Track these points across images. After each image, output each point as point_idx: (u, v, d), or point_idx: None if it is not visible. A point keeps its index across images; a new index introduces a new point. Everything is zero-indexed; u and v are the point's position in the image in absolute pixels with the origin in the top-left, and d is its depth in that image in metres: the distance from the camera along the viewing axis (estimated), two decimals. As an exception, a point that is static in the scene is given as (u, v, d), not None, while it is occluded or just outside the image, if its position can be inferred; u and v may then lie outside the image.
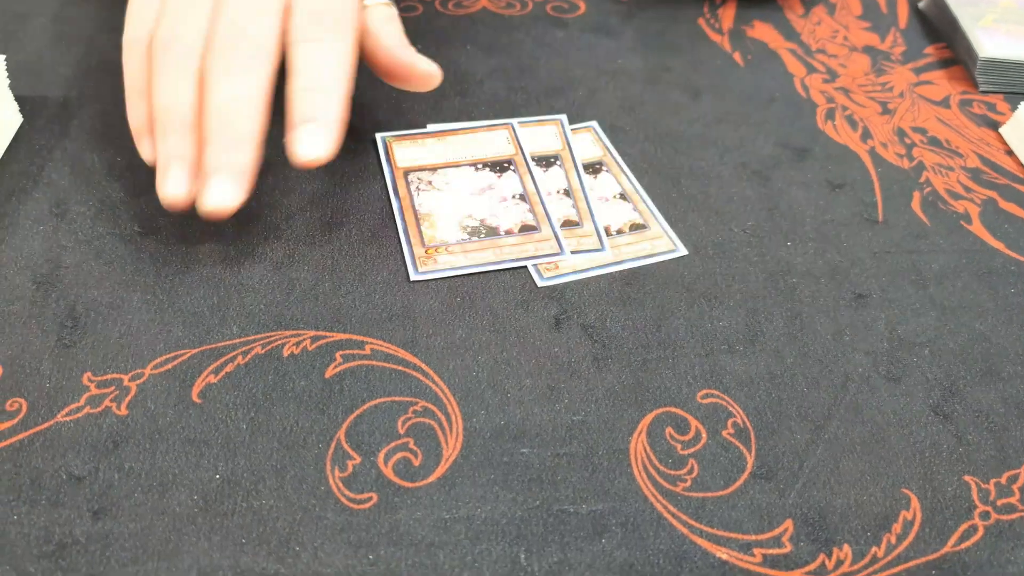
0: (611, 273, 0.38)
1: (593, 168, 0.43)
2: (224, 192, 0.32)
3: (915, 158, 0.46)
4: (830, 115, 0.48)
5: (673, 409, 0.34)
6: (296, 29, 0.33)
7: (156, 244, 0.38)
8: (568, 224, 0.40)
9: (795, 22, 0.56)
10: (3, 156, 0.41)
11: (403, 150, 0.43)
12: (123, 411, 0.32)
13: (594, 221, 0.40)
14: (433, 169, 0.43)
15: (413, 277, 0.37)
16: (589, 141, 0.45)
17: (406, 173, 0.42)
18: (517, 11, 0.55)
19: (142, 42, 0.34)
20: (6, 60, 0.42)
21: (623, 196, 0.42)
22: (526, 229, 0.40)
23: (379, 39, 0.39)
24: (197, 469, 0.31)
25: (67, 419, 0.32)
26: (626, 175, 0.43)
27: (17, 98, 0.43)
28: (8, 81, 0.42)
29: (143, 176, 0.41)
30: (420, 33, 0.51)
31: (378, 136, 0.44)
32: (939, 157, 0.46)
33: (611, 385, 0.34)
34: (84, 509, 0.29)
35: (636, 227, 0.41)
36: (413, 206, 0.41)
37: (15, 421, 0.31)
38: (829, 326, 0.37)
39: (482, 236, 0.39)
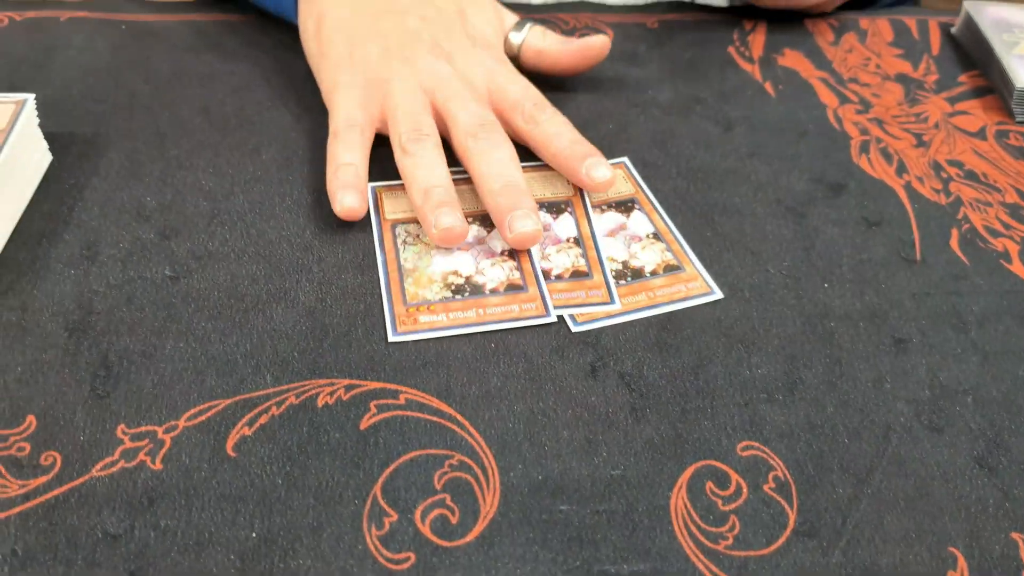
0: (647, 318, 0.38)
1: (625, 207, 0.43)
2: (530, 223, 0.39)
3: (952, 193, 0.45)
4: (864, 148, 0.48)
5: (713, 462, 0.33)
6: (529, 117, 0.43)
7: (187, 288, 0.38)
8: (576, 275, 0.39)
9: (826, 49, 0.55)
10: (33, 196, 0.41)
11: (393, 201, 0.42)
12: (158, 465, 0.32)
13: (604, 272, 0.39)
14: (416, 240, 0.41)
15: (391, 338, 0.36)
16: (620, 178, 0.44)
17: (393, 225, 0.41)
18: (545, 40, 0.54)
19: (355, 130, 0.42)
20: (35, 97, 0.41)
21: (656, 236, 0.41)
22: (512, 288, 0.38)
23: (550, 53, 0.49)
24: (233, 527, 0.30)
25: (102, 474, 0.31)
26: (659, 213, 0.42)
27: (46, 135, 0.43)
28: (38, 120, 0.42)
29: (172, 217, 0.41)
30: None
31: (368, 186, 0.43)
32: (977, 192, 0.46)
33: (650, 437, 0.34)
34: (121, 570, 0.29)
35: (670, 268, 0.40)
36: (398, 260, 0.39)
37: (50, 476, 0.31)
38: (869, 373, 0.37)
39: (466, 295, 0.38)
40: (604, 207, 0.43)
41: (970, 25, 0.56)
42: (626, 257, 0.40)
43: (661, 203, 0.43)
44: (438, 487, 0.32)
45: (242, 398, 0.34)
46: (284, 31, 0.54)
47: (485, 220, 0.41)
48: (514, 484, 0.32)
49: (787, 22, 0.58)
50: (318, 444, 0.33)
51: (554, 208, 0.42)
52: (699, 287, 0.39)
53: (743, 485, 0.33)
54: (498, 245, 0.40)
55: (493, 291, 0.38)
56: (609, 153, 0.46)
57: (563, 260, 0.40)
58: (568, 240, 0.41)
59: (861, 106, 0.51)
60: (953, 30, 0.58)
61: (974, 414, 0.35)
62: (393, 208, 0.42)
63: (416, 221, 0.41)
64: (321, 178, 0.43)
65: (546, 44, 0.49)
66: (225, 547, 0.30)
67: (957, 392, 0.36)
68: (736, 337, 0.38)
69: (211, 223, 0.41)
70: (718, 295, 0.39)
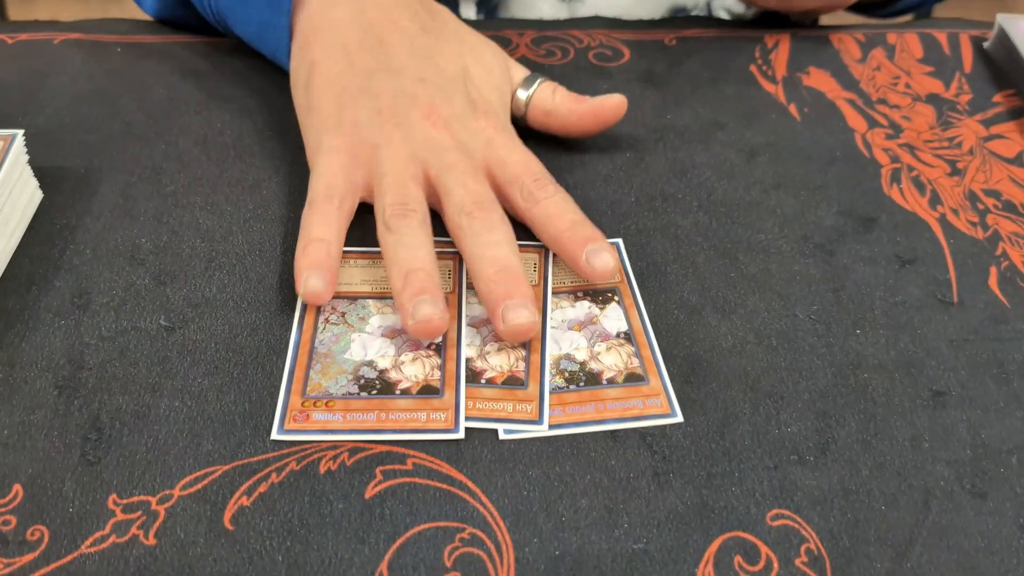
0: (670, 371, 0.36)
1: (602, 297, 0.38)
2: (525, 314, 0.35)
3: (989, 226, 0.43)
4: (895, 177, 0.45)
5: (741, 534, 0.31)
6: (528, 194, 0.40)
7: (183, 341, 0.36)
8: (511, 381, 0.35)
9: (853, 68, 0.53)
10: (23, 238, 0.39)
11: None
12: (151, 540, 0.30)
13: (542, 383, 0.34)
14: (353, 298, 0.37)
15: (274, 436, 0.33)
16: None
17: None
18: (558, 60, 0.52)
19: (333, 201, 0.39)
20: (24, 130, 0.39)
21: (628, 336, 0.37)
22: (425, 391, 0.34)
23: (559, 114, 0.45)
24: (230, 611, 0.28)
25: (91, 550, 0.30)
26: (639, 308, 0.38)
27: (36, 170, 0.41)
28: (27, 157, 0.40)
29: (167, 260, 0.39)
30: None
31: None
32: (1016, 225, 0.43)
33: (673, 505, 0.32)
34: (110, 661, 0.27)
35: (632, 378, 0.35)
36: (312, 342, 0.35)
37: (36, 554, 0.29)
38: (906, 430, 0.34)
39: (374, 392, 0.34)
40: (579, 295, 0.38)
41: (1004, 40, 0.53)
42: (586, 358, 0.36)
43: (683, 240, 0.41)
44: (448, 564, 0.30)
45: (240, 464, 0.32)
46: (286, 52, 0.52)
47: None
48: (529, 560, 0.30)
49: (810, 38, 0.55)
50: (320, 516, 0.31)
51: None
52: (657, 406, 0.34)
53: (773, 559, 0.31)
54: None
55: (404, 392, 0.34)
56: (626, 183, 0.44)
57: (500, 361, 0.35)
58: None
59: (891, 130, 0.48)
60: (986, 45, 0.55)
61: (1020, 476, 0.33)
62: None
63: (345, 297, 0.37)
64: (324, 215, 0.41)
65: (555, 103, 0.45)
66: (222, 634, 0.28)
67: (1001, 452, 0.34)
68: (764, 391, 0.35)
69: (209, 267, 0.39)
70: (677, 419, 0.34)
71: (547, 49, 0.53)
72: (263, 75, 0.50)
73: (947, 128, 0.49)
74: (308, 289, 0.36)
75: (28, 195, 0.40)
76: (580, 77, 0.50)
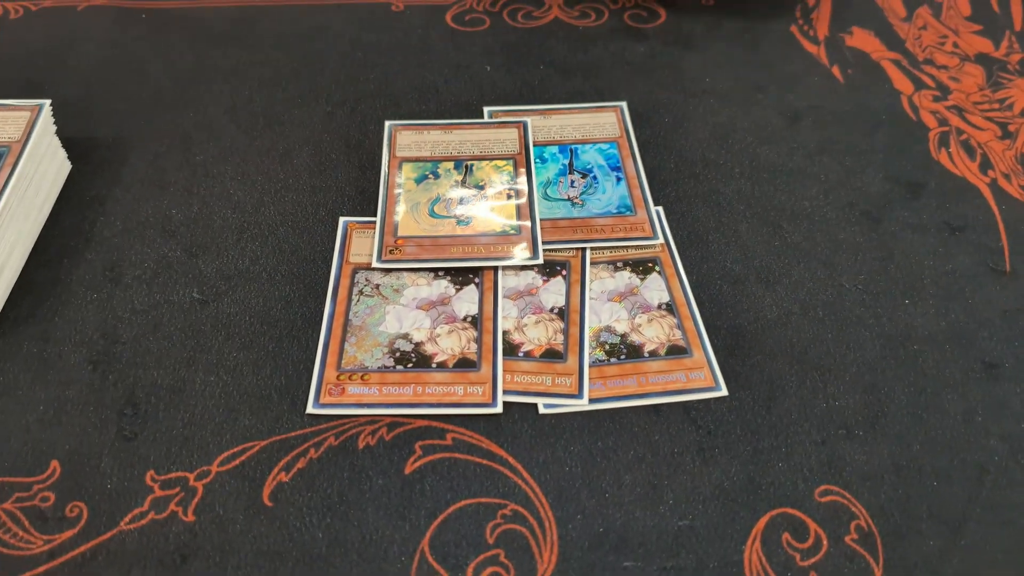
0: (714, 343, 0.35)
1: (643, 267, 0.37)
2: None
3: (1043, 191, 0.41)
4: (944, 141, 0.44)
5: (789, 510, 0.30)
6: None
7: (217, 314, 0.35)
8: (550, 355, 0.34)
9: (898, 27, 0.51)
10: (53, 209, 0.39)
11: (361, 241, 0.38)
12: (190, 517, 0.30)
13: (581, 356, 0.34)
14: (385, 271, 0.36)
15: (309, 410, 0.32)
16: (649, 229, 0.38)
17: (354, 271, 0.36)
18: (592, 21, 0.50)
19: None
20: (51, 100, 0.39)
21: (669, 307, 0.36)
22: (462, 364, 0.33)
23: None
24: (272, 588, 0.28)
25: (131, 527, 0.29)
26: (681, 278, 0.37)
27: (65, 140, 0.40)
28: (55, 128, 0.39)
29: (199, 231, 0.38)
30: (489, 50, 0.47)
31: (341, 220, 0.39)
32: (1070, 190, 0.42)
33: (719, 481, 0.31)
34: (153, 638, 0.27)
35: (675, 350, 0.34)
36: (347, 314, 0.35)
37: (76, 530, 0.29)
38: (958, 403, 0.33)
39: (409, 365, 0.33)
40: (619, 264, 0.37)
41: (1057, -4, 0.51)
42: (627, 330, 0.35)
43: (725, 207, 0.40)
44: (490, 541, 0.29)
45: (278, 439, 0.32)
46: (316, 16, 0.50)
47: (456, 276, 0.36)
48: (573, 538, 0.29)
49: (853, -5, 0.53)
50: (360, 492, 0.30)
51: (548, 268, 0.37)
52: (701, 379, 0.34)
53: (823, 536, 0.30)
54: (463, 309, 0.35)
55: (441, 365, 0.33)
56: (665, 148, 0.42)
57: (539, 334, 0.34)
58: (552, 310, 0.35)
59: (939, 92, 0.46)
60: (1037, 1, 0.53)
61: (1077, 451, 0.32)
62: (359, 249, 0.37)
63: (378, 269, 0.36)
64: (357, 184, 0.40)
65: None
66: (263, 611, 0.28)
67: (1057, 426, 0.33)
68: (810, 363, 0.34)
69: (240, 238, 0.38)
70: (722, 391, 0.33)
71: (581, 10, 0.51)
72: (292, 42, 0.49)
73: (997, 89, 0.47)
74: None
75: (57, 166, 0.39)
76: (616, 40, 0.49)
